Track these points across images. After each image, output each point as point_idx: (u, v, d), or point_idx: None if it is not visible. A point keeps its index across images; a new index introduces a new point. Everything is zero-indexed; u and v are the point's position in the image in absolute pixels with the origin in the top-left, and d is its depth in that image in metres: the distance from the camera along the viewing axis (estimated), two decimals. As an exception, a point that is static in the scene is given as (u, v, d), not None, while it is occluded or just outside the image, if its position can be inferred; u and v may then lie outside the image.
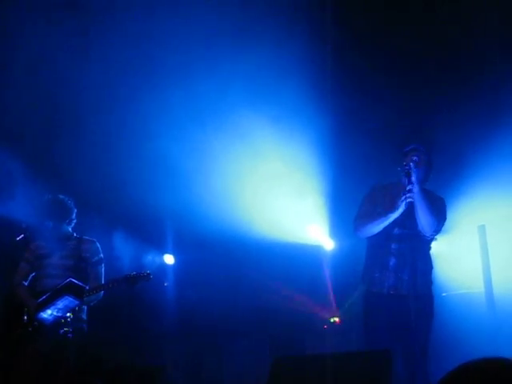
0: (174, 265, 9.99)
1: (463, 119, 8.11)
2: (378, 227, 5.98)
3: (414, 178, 5.74)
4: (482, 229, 7.94)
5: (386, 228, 5.94)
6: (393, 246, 5.91)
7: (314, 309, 9.17)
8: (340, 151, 8.61)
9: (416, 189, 5.78)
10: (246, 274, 9.33)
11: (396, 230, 5.91)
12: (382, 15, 7.59)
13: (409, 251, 5.83)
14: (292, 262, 9.04)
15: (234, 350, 9.54)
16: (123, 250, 8.73)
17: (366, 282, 6.10)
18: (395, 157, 6.14)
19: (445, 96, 7.99)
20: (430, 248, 6.08)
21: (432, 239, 6.06)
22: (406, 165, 5.80)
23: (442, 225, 6.03)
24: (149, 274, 6.56)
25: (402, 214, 5.83)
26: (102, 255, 6.82)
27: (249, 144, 8.57)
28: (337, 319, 8.96)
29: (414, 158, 5.87)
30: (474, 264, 7.82)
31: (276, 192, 8.84)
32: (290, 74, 7.86)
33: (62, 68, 7.78)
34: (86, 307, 6.57)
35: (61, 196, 6.82)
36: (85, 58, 7.83)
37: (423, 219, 5.83)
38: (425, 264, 5.97)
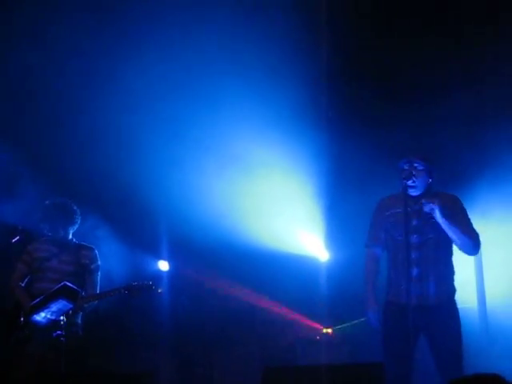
0: (168, 271, 9.98)
1: (464, 133, 8.16)
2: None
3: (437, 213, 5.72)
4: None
5: (403, 236, 5.88)
6: (413, 255, 5.74)
7: (305, 323, 9.17)
8: (337, 160, 8.64)
9: (442, 220, 5.74)
10: (239, 282, 9.32)
11: (414, 238, 5.79)
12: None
13: (430, 259, 5.78)
14: (286, 272, 9.03)
15: (226, 359, 9.52)
16: (118, 256, 8.71)
17: (390, 294, 5.99)
18: (394, 170, 6.13)
19: (445, 109, 8.05)
20: (451, 253, 5.98)
21: (451, 244, 5.92)
22: (403, 179, 5.80)
23: (473, 227, 5.92)
24: (151, 284, 6.54)
25: (419, 220, 5.81)
26: (99, 262, 6.85)
27: (245, 151, 8.59)
28: (329, 330, 8.95)
29: (405, 167, 5.89)
30: (468, 279, 7.84)
31: (272, 201, 8.84)
32: (284, 84, 7.93)
33: (59, 71, 7.85)
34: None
35: (65, 200, 6.83)
36: (91, 63, 7.91)
37: (459, 242, 5.79)
38: (447, 271, 5.92)
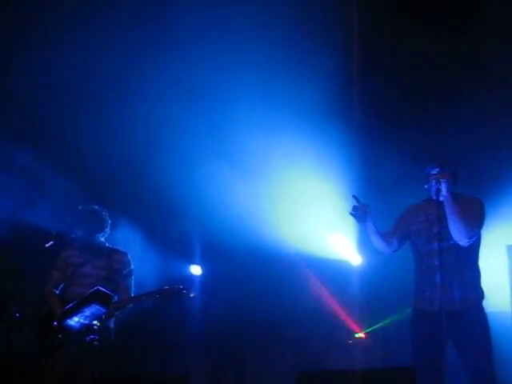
0: (200, 276, 10.01)
1: (493, 136, 8.11)
2: (376, 245, 6.05)
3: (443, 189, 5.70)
4: (510, 249, 7.90)
5: (426, 244, 5.84)
6: (436, 261, 5.69)
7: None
8: (369, 163, 8.61)
9: (445, 197, 5.72)
10: (271, 286, 9.32)
11: (435, 245, 5.69)
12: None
13: (453, 265, 5.70)
14: (319, 276, 9.02)
15: (258, 363, 9.52)
16: (150, 261, 8.76)
17: (416, 302, 5.91)
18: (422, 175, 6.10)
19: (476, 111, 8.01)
20: (476, 258, 5.84)
21: (476, 248, 5.81)
22: (434, 183, 5.77)
23: (478, 228, 5.76)
24: (183, 289, 6.55)
25: (439, 227, 5.70)
26: (132, 267, 6.87)
27: (277, 154, 8.59)
28: (363, 335, 8.93)
29: (435, 171, 5.85)
30: (502, 283, 7.78)
31: (304, 205, 8.83)
32: (315, 87, 7.93)
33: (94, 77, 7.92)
34: (113, 316, 6.63)
35: (96, 207, 6.87)
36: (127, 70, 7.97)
37: (452, 226, 5.66)
38: (472, 276, 5.79)
